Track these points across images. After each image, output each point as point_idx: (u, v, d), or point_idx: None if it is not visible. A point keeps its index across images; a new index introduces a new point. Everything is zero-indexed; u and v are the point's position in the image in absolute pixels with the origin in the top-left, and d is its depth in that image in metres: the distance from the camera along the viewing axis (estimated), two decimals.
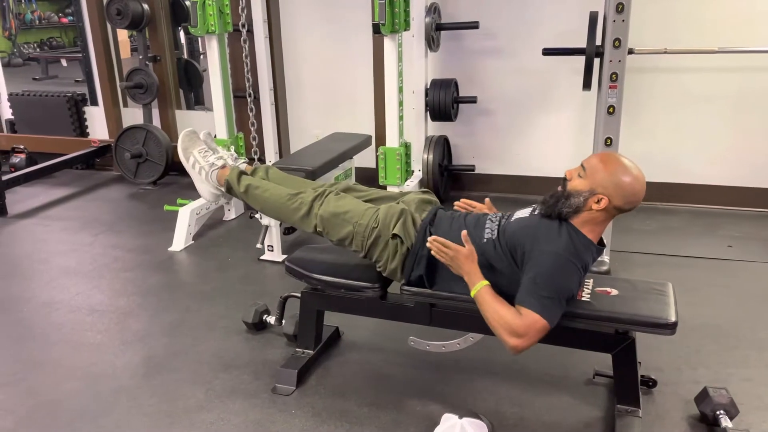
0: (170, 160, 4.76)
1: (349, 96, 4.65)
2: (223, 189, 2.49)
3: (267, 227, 3.42)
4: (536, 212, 2.01)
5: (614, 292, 2.05)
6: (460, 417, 1.96)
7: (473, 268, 1.92)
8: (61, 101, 5.34)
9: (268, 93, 4.16)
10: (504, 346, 1.84)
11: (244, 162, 2.58)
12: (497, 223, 2.06)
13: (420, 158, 4.13)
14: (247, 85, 4.14)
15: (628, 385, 2.06)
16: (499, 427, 2.09)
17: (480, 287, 1.90)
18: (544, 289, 1.83)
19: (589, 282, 2.10)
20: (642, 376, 2.22)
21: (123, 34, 5.82)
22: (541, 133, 4.32)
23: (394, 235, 2.11)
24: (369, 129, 4.51)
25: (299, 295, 2.44)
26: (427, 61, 4.09)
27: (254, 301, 2.75)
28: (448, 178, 4.43)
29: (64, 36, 11.82)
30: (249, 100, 4.11)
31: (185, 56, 5.92)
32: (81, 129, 5.42)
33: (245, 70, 4.08)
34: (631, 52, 2.98)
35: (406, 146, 3.80)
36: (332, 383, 2.36)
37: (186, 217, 3.74)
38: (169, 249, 3.67)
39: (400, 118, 3.67)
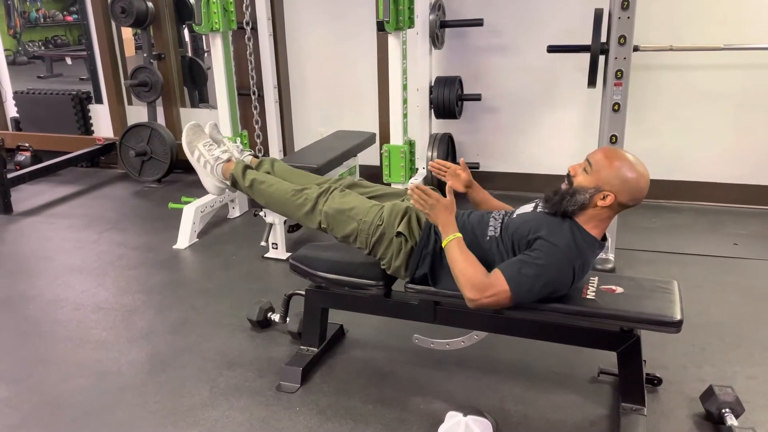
0: (175, 158, 4.77)
1: (354, 94, 4.64)
2: (228, 183, 2.49)
3: (271, 225, 3.42)
4: (539, 208, 2.01)
5: (619, 289, 2.04)
6: (465, 415, 1.96)
7: (450, 219, 1.97)
8: (66, 99, 5.35)
9: (272, 91, 4.16)
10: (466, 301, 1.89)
11: (249, 154, 2.57)
12: (500, 220, 2.05)
13: (424, 156, 4.13)
14: (251, 83, 4.16)
15: (633, 383, 2.06)
16: (503, 424, 2.09)
17: (453, 238, 1.94)
18: (526, 268, 1.85)
19: (594, 280, 2.10)
20: (647, 374, 2.21)
21: (127, 32, 5.84)
22: (545, 131, 4.31)
23: (399, 233, 2.11)
24: (373, 127, 4.51)
25: (303, 292, 2.44)
26: (431, 59, 4.08)
27: (258, 299, 2.75)
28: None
29: (69, 34, 11.83)
30: (253, 97, 4.12)
31: (189, 54, 5.95)
32: (86, 127, 5.43)
33: (249, 67, 4.09)
34: (636, 49, 2.97)
35: (411, 144, 3.80)
36: (336, 381, 2.36)
37: (190, 215, 3.74)
38: (174, 247, 3.68)
39: (405, 115, 3.67)
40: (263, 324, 2.71)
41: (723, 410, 2.01)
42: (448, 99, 4.09)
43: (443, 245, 1.96)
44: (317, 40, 4.62)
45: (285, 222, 3.47)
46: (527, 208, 2.07)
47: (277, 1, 4.48)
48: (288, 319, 2.64)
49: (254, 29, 3.96)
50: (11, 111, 5.68)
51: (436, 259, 2.06)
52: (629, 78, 2.91)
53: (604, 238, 2.00)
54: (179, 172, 4.97)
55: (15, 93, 5.60)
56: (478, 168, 4.37)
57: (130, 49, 6.99)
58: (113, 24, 5.02)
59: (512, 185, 4.40)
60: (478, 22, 4.02)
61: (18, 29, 10.96)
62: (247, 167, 2.44)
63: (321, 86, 4.72)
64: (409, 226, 2.11)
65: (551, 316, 2.01)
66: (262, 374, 2.41)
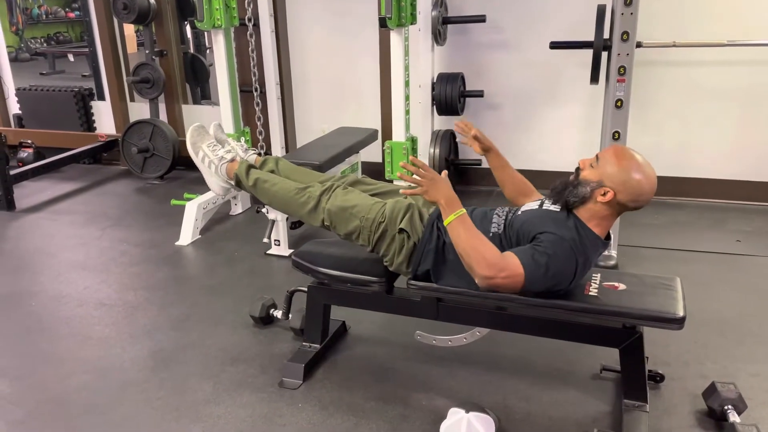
0: (177, 155, 4.77)
1: (356, 90, 4.64)
2: (232, 182, 2.50)
3: (274, 222, 3.42)
4: (544, 206, 2.01)
5: (622, 286, 2.04)
6: (467, 411, 1.96)
7: (453, 194, 1.91)
8: (68, 96, 5.36)
9: (274, 87, 4.15)
10: (477, 280, 1.86)
11: (254, 153, 2.58)
12: (504, 217, 2.06)
13: (426, 152, 4.13)
14: (253, 80, 4.15)
15: (635, 380, 2.06)
16: (506, 421, 2.09)
17: (461, 213, 1.89)
18: (539, 256, 1.84)
19: (597, 276, 2.10)
20: (649, 371, 2.21)
21: (129, 29, 5.82)
22: (548, 128, 4.31)
23: (401, 230, 2.11)
24: (375, 123, 4.51)
25: (306, 289, 2.44)
26: (433, 55, 4.07)
27: (261, 296, 2.76)
28: (455, 173, 4.42)
29: (71, 31, 11.84)
30: (255, 94, 4.12)
31: (192, 51, 5.95)
32: (88, 124, 5.44)
33: (251, 64, 4.08)
34: (639, 45, 2.96)
35: (413, 140, 3.79)
36: (339, 377, 2.36)
37: (193, 212, 3.74)
38: (176, 243, 3.68)
39: (407, 112, 3.66)
40: (266, 320, 2.71)
41: (725, 407, 2.01)
42: (451, 95, 4.08)
43: (447, 221, 1.89)
44: (319, 36, 4.62)
45: (287, 218, 3.47)
46: (532, 205, 2.07)
47: None
48: (290, 315, 2.64)
49: (256, 26, 3.95)
50: (14, 108, 5.69)
51: (439, 256, 2.06)
52: (632, 74, 2.90)
53: (608, 237, 2.00)
54: (181, 169, 4.98)
55: (17, 90, 5.60)
56: (480, 164, 4.37)
57: (132, 46, 6.99)
58: (115, 20, 5.02)
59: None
60: (480, 19, 4.01)
61: (20, 26, 10.97)
62: (250, 166, 2.45)
63: (323, 83, 4.72)
64: (411, 223, 2.12)
65: (554, 312, 2.01)
66: (265, 370, 2.41)
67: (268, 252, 3.50)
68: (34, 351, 2.63)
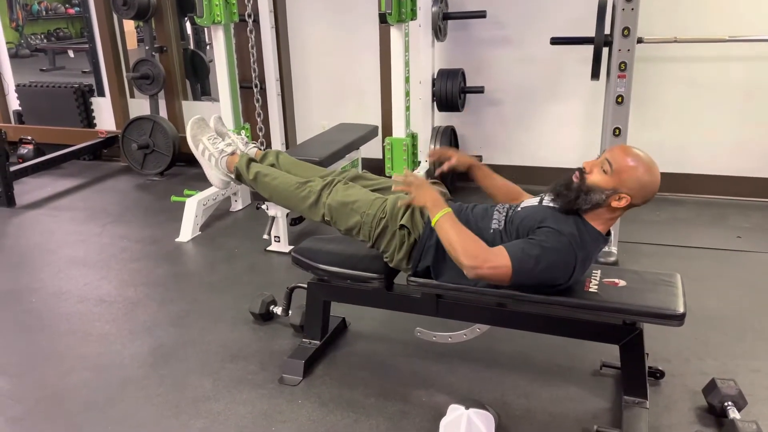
0: (177, 151, 4.77)
1: (356, 86, 4.63)
2: (232, 176, 2.49)
3: (274, 218, 3.42)
4: (544, 202, 2.01)
5: (622, 283, 2.04)
6: (467, 408, 1.96)
7: (437, 196, 1.98)
8: (68, 92, 5.35)
9: (274, 84, 4.15)
10: (466, 272, 1.88)
11: (254, 147, 2.57)
12: (504, 213, 2.05)
13: (427, 149, 4.12)
14: (253, 76, 4.14)
15: (635, 376, 2.06)
16: (505, 417, 2.09)
17: (446, 212, 1.94)
18: (530, 248, 1.85)
19: (597, 273, 2.09)
20: (649, 367, 2.21)
21: (129, 25, 5.80)
22: (549, 124, 4.30)
23: (402, 226, 2.10)
24: (375, 119, 4.50)
25: (306, 286, 2.44)
26: (434, 51, 4.06)
27: (261, 292, 2.76)
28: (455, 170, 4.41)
29: (71, 27, 11.82)
30: (255, 90, 4.11)
31: (191, 47, 5.93)
32: (88, 120, 5.43)
33: (251, 60, 4.07)
34: (640, 41, 2.95)
35: (413, 137, 3.79)
36: (339, 374, 2.36)
37: (193, 208, 3.74)
38: (177, 240, 3.68)
39: (407, 108, 3.66)
40: (266, 317, 2.71)
41: (725, 403, 2.01)
42: (451, 91, 4.07)
43: (435, 221, 1.94)
44: (320, 32, 4.61)
45: (287, 215, 3.47)
46: (532, 201, 2.07)
47: None
48: (290, 311, 2.64)
49: (256, 21, 3.95)
50: (14, 104, 5.68)
51: (439, 252, 2.05)
52: (633, 70, 2.89)
53: (608, 233, 1.99)
54: (181, 165, 4.98)
55: (17, 86, 5.60)
56: (480, 160, 4.35)
57: (132, 42, 6.96)
58: (115, 16, 5.02)
59: (515, 178, 4.28)
60: (481, 14, 4.00)
61: (20, 22, 10.95)
62: (251, 160, 2.44)
63: (323, 79, 4.71)
64: (412, 219, 2.11)
65: (554, 309, 2.00)
66: (265, 367, 2.41)
67: (268, 248, 3.50)
68: (34, 347, 2.63)
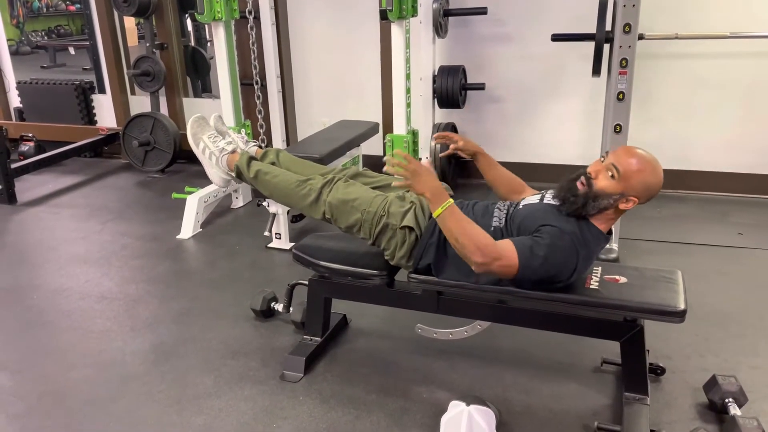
0: (178, 148, 4.76)
1: (357, 83, 4.63)
2: (233, 174, 2.49)
3: (275, 215, 3.42)
4: (545, 200, 2.01)
5: (623, 279, 2.04)
6: (468, 404, 1.96)
7: (438, 184, 1.89)
8: (69, 89, 5.35)
9: (275, 80, 4.14)
10: (472, 264, 1.86)
11: (254, 145, 2.57)
12: (505, 211, 2.05)
13: (427, 145, 4.12)
14: (254, 73, 4.14)
15: (636, 373, 2.06)
16: (506, 414, 2.09)
17: (448, 204, 1.87)
18: (537, 247, 1.85)
19: (598, 270, 2.10)
20: (650, 364, 2.21)
21: (130, 22, 5.82)
22: (549, 120, 4.29)
23: (403, 224, 2.10)
24: (376, 116, 4.50)
25: (307, 282, 2.44)
26: (434, 48, 4.06)
27: (262, 289, 2.76)
28: (456, 166, 4.41)
29: (72, 24, 11.81)
30: (256, 87, 4.10)
31: (192, 44, 5.93)
32: (89, 117, 5.44)
33: (252, 57, 4.07)
34: (641, 37, 2.95)
35: (414, 134, 3.78)
36: (340, 370, 2.37)
37: (194, 205, 3.74)
38: (178, 237, 3.68)
39: (408, 105, 3.65)
40: (267, 314, 2.71)
41: (726, 400, 2.01)
42: (452, 88, 4.07)
43: (438, 213, 1.87)
44: (320, 29, 4.60)
45: (288, 212, 3.47)
46: (533, 199, 2.07)
47: None
48: (291, 308, 2.64)
49: (257, 18, 3.94)
50: (14, 101, 5.68)
51: (440, 249, 2.06)
52: (634, 67, 2.89)
53: (610, 232, 1.99)
54: (182, 162, 4.97)
55: (18, 83, 5.60)
56: None
57: (132, 39, 6.98)
58: (116, 13, 5.01)
59: (516, 175, 4.38)
60: (482, 11, 4.00)
61: (21, 19, 10.94)
62: (251, 158, 2.45)
63: (324, 76, 4.71)
64: (413, 217, 2.11)
65: (555, 305, 2.01)
66: (266, 364, 2.42)
67: (269, 245, 3.50)
68: (36, 344, 2.63)
